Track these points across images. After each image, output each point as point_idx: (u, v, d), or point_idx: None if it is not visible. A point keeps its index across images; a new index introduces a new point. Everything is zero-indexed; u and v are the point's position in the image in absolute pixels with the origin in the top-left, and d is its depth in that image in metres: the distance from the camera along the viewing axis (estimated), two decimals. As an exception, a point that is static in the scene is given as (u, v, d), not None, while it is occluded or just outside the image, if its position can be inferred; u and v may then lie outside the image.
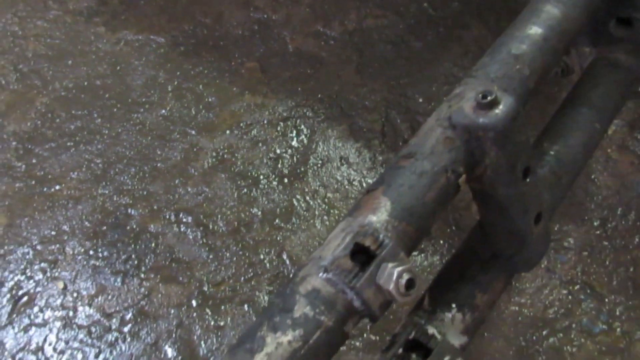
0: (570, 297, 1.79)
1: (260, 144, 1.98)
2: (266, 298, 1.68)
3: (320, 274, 0.81)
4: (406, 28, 2.34)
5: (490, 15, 2.40)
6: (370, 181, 1.93)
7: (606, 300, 1.80)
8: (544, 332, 1.73)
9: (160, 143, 2.00)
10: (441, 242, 1.85)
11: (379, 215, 0.88)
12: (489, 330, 1.71)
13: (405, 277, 0.80)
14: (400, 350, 0.94)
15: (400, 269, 0.81)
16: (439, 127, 0.96)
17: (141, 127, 2.04)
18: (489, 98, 0.88)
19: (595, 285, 1.83)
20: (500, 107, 0.88)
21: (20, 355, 1.58)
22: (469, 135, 0.92)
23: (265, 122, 2.04)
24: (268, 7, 2.43)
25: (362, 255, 0.82)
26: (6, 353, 1.58)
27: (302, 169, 1.93)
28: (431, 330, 0.98)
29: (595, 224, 1.94)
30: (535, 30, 1.11)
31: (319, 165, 1.94)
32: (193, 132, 2.02)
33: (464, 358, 0.97)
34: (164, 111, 2.09)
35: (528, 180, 0.97)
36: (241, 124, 2.04)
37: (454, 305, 1.04)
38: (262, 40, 2.31)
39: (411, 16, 2.38)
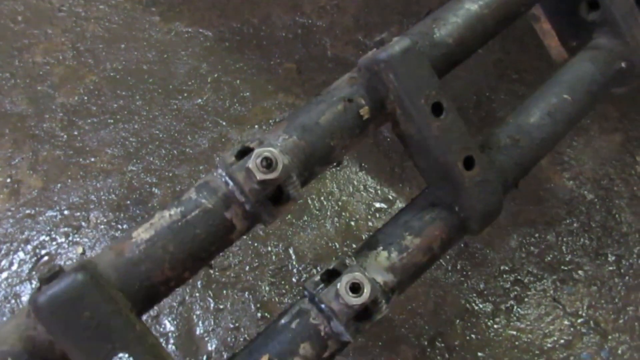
0: (572, 329, 1.73)
1: (285, 141, 2.00)
2: (267, 288, 1.69)
3: (213, 172, 0.91)
4: (444, 46, 2.31)
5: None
6: (385, 190, 1.92)
7: (609, 337, 1.72)
8: (539, 361, 1.67)
9: (192, 130, 2.04)
10: (448, 257, 1.82)
11: (274, 132, 0.96)
12: (483, 350, 1.66)
13: (264, 154, 0.84)
14: (318, 278, 0.97)
15: (261, 149, 0.86)
16: (347, 74, 1.07)
17: (177, 113, 2.09)
18: (381, 37, 1.01)
19: (601, 321, 1.75)
20: (393, 43, 0.99)
21: (33, 309, 1.64)
22: (369, 73, 1.01)
23: (293, 121, 2.06)
24: (314, 13, 2.45)
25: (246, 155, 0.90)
26: (21, 306, 1.64)
27: (322, 170, 1.94)
28: (351, 262, 0.98)
29: (610, 259, 1.87)
30: (467, 5, 1.17)
31: (338, 168, 1.94)
32: (224, 123, 2.06)
33: (393, 301, 0.97)
34: (200, 100, 2.13)
35: (442, 117, 0.99)
36: (270, 120, 2.06)
37: (380, 244, 1.04)
38: (303, 44, 2.33)
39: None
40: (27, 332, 0.77)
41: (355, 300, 0.88)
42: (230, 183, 0.88)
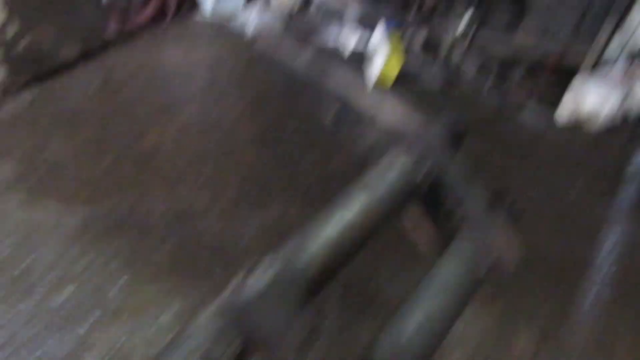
0: None
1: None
2: None
3: None
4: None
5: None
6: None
7: None
8: None
9: (48, 334, 1.79)
10: None
11: None
12: None
13: None
14: None
15: None
16: (211, 308, 1.09)
17: (30, 317, 1.84)
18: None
19: None
20: (254, 279, 1.04)
21: None
22: (235, 311, 1.05)
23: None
24: (192, 193, 2.36)
25: None
26: None
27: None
28: None
29: None
30: (329, 231, 1.25)
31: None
32: (83, 331, 1.82)
33: None
34: (61, 299, 1.90)
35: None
36: (145, 316, 1.86)
37: None
38: (179, 228, 2.20)
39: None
40: None
41: None
42: None
